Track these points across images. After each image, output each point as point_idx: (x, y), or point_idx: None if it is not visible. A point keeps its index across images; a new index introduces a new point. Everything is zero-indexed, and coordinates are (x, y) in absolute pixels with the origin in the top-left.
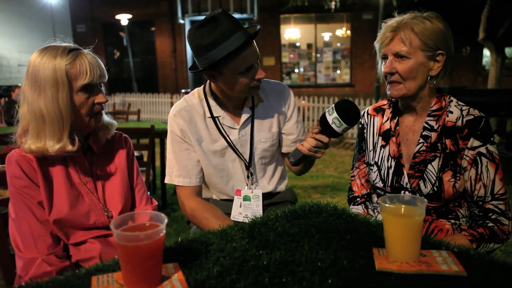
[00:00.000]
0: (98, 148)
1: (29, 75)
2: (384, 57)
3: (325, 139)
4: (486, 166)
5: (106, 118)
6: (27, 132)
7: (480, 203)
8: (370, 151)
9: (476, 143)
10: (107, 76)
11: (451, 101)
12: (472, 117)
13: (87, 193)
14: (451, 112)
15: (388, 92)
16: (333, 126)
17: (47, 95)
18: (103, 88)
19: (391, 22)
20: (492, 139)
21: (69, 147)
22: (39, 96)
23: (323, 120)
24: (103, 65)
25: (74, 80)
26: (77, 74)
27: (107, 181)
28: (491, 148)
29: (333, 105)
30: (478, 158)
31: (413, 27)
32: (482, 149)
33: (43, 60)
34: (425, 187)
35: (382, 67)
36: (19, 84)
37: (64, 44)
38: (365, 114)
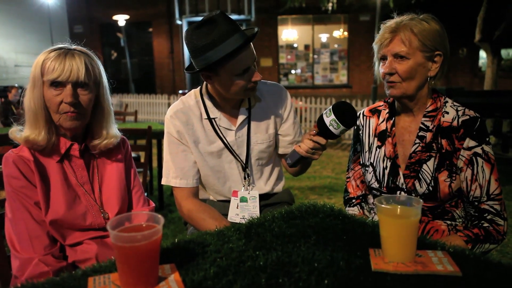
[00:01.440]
0: (95, 150)
1: None
2: (383, 58)
3: (322, 141)
4: (482, 166)
5: (113, 130)
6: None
7: (476, 203)
8: (365, 152)
9: (472, 143)
10: (84, 79)
11: (447, 101)
12: (467, 117)
13: (84, 194)
14: (447, 113)
15: (387, 92)
16: (331, 128)
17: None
18: (104, 91)
19: (390, 23)
20: (487, 139)
21: (38, 138)
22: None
23: (320, 122)
24: (88, 68)
25: (44, 75)
26: (47, 69)
27: (104, 182)
28: (487, 148)
29: (331, 107)
30: (474, 158)
31: (412, 28)
32: (478, 149)
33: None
34: (421, 187)
35: (380, 68)
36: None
37: (62, 44)
38: (361, 116)
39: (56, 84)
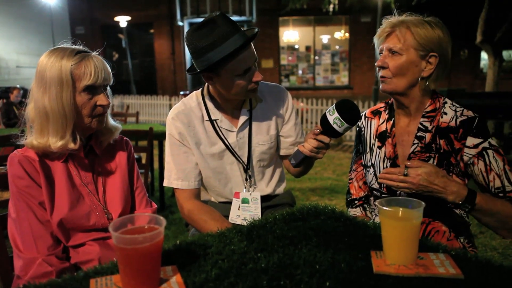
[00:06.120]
0: (99, 150)
1: (37, 74)
2: (381, 52)
3: (326, 139)
4: (494, 156)
5: (111, 121)
6: (32, 128)
7: (501, 194)
8: (367, 153)
9: (477, 140)
10: (112, 80)
11: (446, 102)
12: (465, 117)
13: (88, 194)
14: (445, 113)
15: (380, 87)
16: (335, 126)
17: (52, 93)
18: (108, 92)
19: (392, 19)
20: (490, 134)
21: (71, 145)
22: (44, 94)
23: (324, 120)
24: (109, 69)
25: (78, 81)
26: (81, 74)
27: (108, 183)
28: (493, 142)
29: (334, 105)
30: (483, 152)
31: (409, 26)
32: (485, 144)
33: (50, 60)
34: None
35: None
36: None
37: (73, 46)
38: (363, 117)
39: (92, 88)
